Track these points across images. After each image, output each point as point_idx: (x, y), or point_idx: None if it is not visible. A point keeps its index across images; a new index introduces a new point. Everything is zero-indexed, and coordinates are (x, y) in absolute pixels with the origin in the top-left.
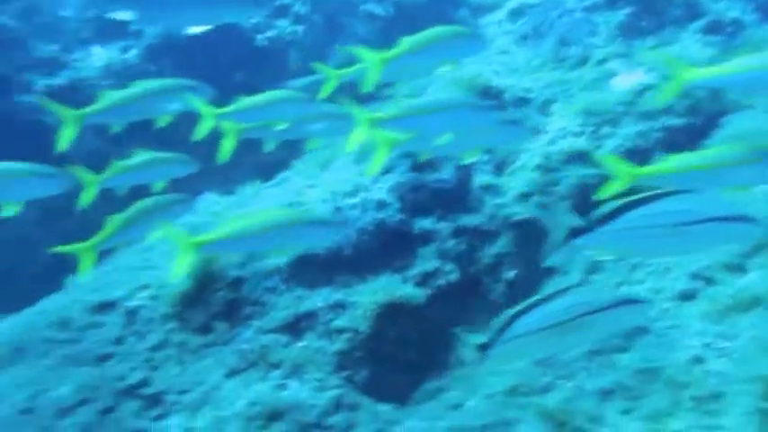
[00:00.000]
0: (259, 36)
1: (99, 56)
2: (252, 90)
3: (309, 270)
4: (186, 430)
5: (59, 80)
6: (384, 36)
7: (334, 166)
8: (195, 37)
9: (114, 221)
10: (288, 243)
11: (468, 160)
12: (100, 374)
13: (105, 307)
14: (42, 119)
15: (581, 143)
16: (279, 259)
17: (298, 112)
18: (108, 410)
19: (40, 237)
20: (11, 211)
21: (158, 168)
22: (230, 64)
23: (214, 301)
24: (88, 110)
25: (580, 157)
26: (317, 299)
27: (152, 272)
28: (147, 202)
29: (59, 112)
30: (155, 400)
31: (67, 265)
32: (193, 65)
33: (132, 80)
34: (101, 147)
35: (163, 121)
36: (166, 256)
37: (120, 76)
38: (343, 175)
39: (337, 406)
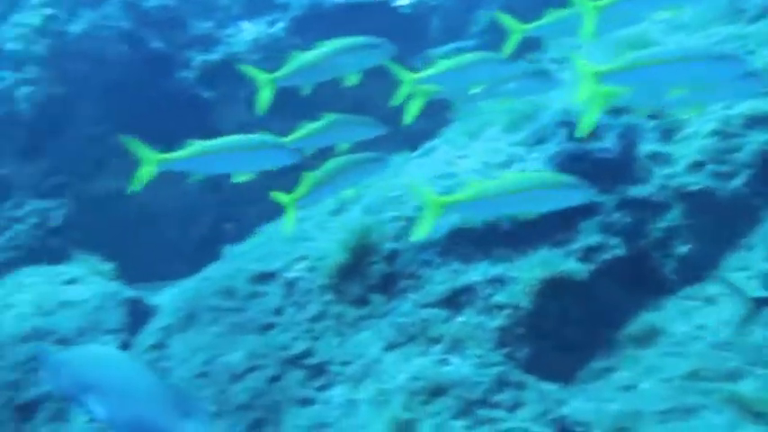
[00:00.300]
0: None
1: (248, 31)
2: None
3: (465, 243)
4: (350, 401)
5: (215, 56)
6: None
7: (484, 136)
8: (340, 7)
9: (311, 178)
10: (535, 206)
11: (690, 115)
12: (265, 343)
13: (266, 277)
14: (199, 94)
15: (766, 105)
16: (434, 232)
17: (497, 72)
18: (275, 378)
19: (201, 207)
20: (242, 177)
21: (345, 130)
22: (374, 32)
23: (370, 274)
24: (279, 73)
25: (765, 121)
26: (475, 273)
27: (308, 243)
28: (341, 160)
29: (255, 77)
30: (318, 370)
31: (224, 236)
32: (338, 35)
33: (280, 53)
34: (251, 120)
35: (351, 80)
36: (320, 227)
37: (268, 49)
38: (495, 144)
39: (501, 383)
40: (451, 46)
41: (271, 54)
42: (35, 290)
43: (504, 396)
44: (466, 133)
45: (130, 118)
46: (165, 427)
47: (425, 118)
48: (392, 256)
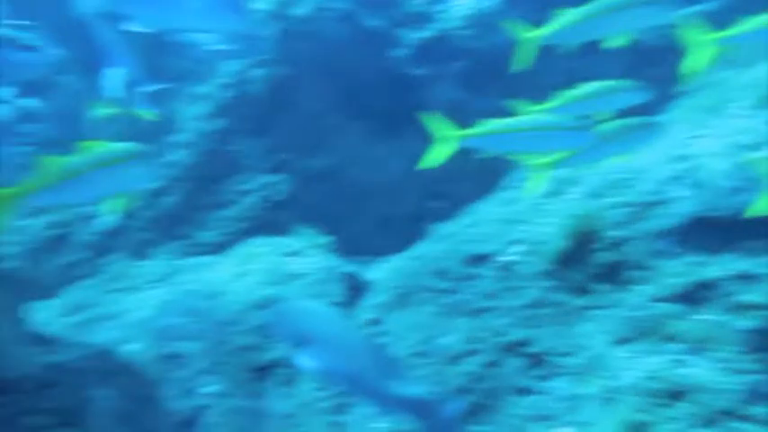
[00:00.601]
0: None
1: (460, 6)
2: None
3: (705, 233)
4: (573, 396)
5: (427, 33)
6: None
7: (727, 112)
8: None
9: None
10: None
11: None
12: (481, 327)
13: (479, 259)
14: (411, 71)
15: None
16: (668, 220)
17: None
18: (492, 364)
19: (408, 184)
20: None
21: (608, 96)
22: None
23: (594, 262)
24: (543, 31)
25: None
26: (717, 267)
27: (523, 226)
28: (612, 125)
29: (519, 34)
30: (537, 359)
31: (430, 213)
32: (552, 8)
33: (492, 28)
34: (460, 97)
35: (618, 42)
36: (536, 209)
37: (481, 24)
38: (744, 122)
39: (755, 394)
40: None
41: (483, 29)
42: (264, 260)
43: (760, 409)
44: (704, 108)
45: (347, 97)
46: (378, 383)
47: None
48: (618, 244)
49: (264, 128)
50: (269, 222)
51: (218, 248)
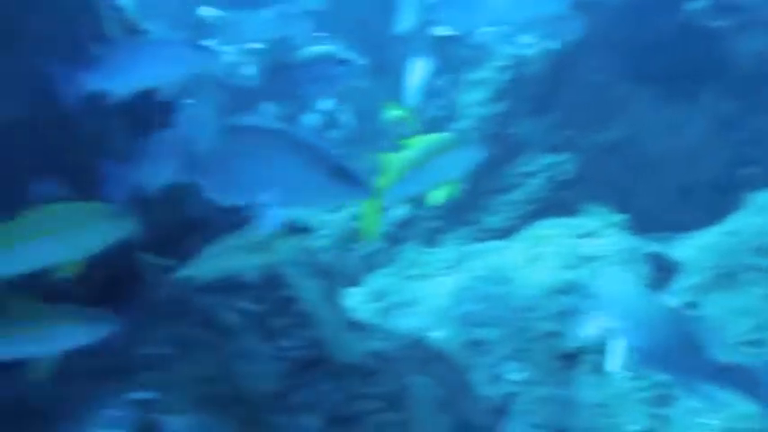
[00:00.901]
0: None
1: None
2: None
3: None
4: None
5: None
6: None
7: None
8: None
9: None
10: None
11: None
12: None
13: None
14: (708, 24)
15: None
16: None
17: None
18: None
19: (712, 149)
20: None
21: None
22: None
23: None
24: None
25: None
26: None
27: None
28: None
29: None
30: None
31: (740, 180)
32: None
33: None
34: None
35: None
36: None
37: None
38: None
39: None
40: None
41: None
42: (556, 242)
43: None
44: None
45: (634, 62)
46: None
47: None
48: None
49: (545, 107)
50: (557, 203)
51: (506, 233)
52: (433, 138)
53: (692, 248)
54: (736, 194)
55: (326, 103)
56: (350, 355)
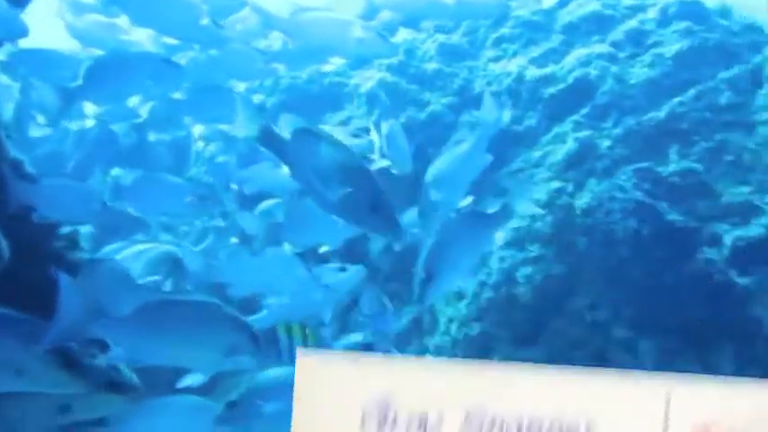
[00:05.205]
0: None
1: None
2: None
3: None
4: None
5: (753, 230)
6: None
7: None
8: None
9: None
10: None
11: None
12: None
13: None
14: (731, 279)
15: None
16: None
17: None
18: None
19: None
20: None
21: None
22: None
23: None
24: None
25: None
26: None
27: None
28: None
29: None
30: None
31: None
32: None
33: None
34: None
35: None
36: None
37: None
38: None
39: None
40: None
41: None
42: None
43: None
44: None
45: (636, 305)
46: None
47: None
48: None
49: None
50: None
51: None
52: None
53: None
54: None
55: None
56: None
